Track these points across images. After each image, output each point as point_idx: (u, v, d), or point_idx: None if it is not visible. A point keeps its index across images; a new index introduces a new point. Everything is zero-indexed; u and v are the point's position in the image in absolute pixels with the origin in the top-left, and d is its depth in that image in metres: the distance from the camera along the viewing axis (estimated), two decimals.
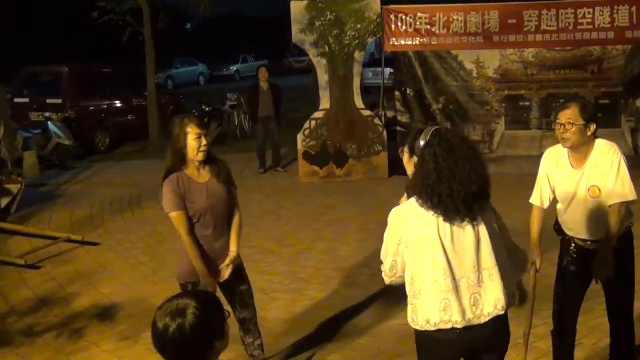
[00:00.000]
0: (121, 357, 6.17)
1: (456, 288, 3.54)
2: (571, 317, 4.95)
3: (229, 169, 5.27)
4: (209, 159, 4.99)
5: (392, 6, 12.97)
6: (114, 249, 9.38)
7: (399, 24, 12.84)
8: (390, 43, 12.97)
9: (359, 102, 13.04)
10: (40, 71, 19.74)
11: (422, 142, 3.62)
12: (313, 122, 13.14)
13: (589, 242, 4.75)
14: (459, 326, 3.53)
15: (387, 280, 3.80)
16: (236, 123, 19.24)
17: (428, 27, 12.79)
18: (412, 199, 3.65)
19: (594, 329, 5.98)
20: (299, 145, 13.13)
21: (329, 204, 11.32)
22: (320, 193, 12.11)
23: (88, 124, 17.75)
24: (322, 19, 12.72)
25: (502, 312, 3.58)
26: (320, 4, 12.72)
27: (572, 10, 12.43)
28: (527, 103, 13.06)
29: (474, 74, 13.02)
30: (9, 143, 11.98)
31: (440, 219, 3.52)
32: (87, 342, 6.48)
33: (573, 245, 4.82)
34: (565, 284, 4.90)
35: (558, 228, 4.96)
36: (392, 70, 14.27)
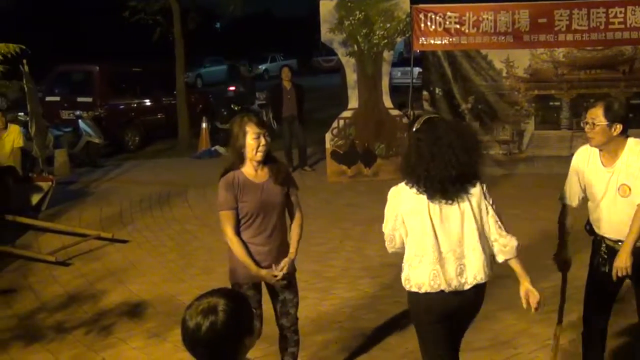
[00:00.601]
0: (150, 354, 6.21)
1: (444, 260, 4.10)
2: (602, 318, 4.91)
3: (288, 170, 5.19)
4: (268, 159, 4.89)
5: (421, 5, 12.91)
6: (143, 246, 9.45)
7: (429, 23, 12.79)
8: (420, 42, 12.92)
9: (387, 102, 13.02)
10: (71, 70, 19.92)
11: (415, 128, 4.16)
12: (341, 122, 13.14)
13: (619, 243, 4.70)
14: (446, 291, 4.09)
15: (389, 250, 4.40)
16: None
17: (458, 26, 12.72)
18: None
19: (624, 330, 5.93)
20: (327, 145, 13.13)
21: (356, 204, 11.31)
22: (348, 192, 12.10)
23: (118, 122, 17.90)
24: (351, 18, 12.70)
25: (482, 282, 4.17)
26: (349, 4, 12.70)
27: (604, 10, 12.30)
28: (557, 103, 12.96)
29: (504, 74, 12.94)
30: (41, 141, 12.09)
31: (426, 195, 4.09)
32: (116, 339, 6.53)
33: (604, 245, 4.77)
34: (596, 285, 4.86)
35: (590, 229, 4.92)
36: (420, 70, 14.22)
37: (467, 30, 12.71)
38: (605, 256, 4.76)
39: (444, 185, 4.03)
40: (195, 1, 19.27)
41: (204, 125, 17.30)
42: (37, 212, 10.95)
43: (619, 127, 4.53)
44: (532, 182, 12.05)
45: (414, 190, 4.14)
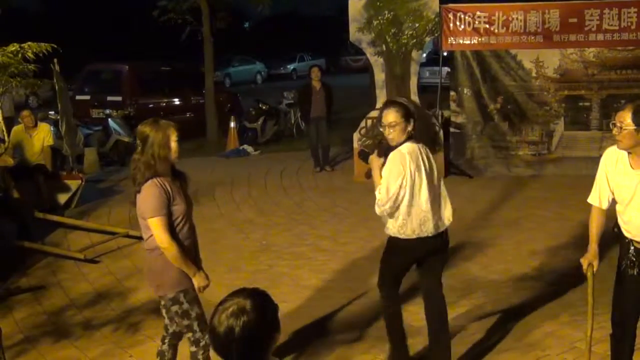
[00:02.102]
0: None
1: (432, 209, 5.09)
2: (630, 321, 4.87)
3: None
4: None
5: (450, 5, 12.87)
6: None
7: (458, 23, 12.74)
8: (449, 42, 12.88)
9: (415, 102, 12.96)
10: (101, 69, 20.10)
11: (412, 109, 5.23)
12: (369, 121, 13.11)
13: None
14: (430, 235, 5.10)
15: (385, 209, 5.13)
16: (292, 121, 19.31)
17: (487, 26, 12.66)
18: (407, 143, 5.15)
19: None
20: (355, 144, 13.10)
21: None
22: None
23: None
24: (380, 17, 12.67)
25: (447, 225, 5.25)
26: (378, 3, 12.66)
27: (635, 10, 12.17)
28: (587, 104, 12.84)
29: (533, 74, 12.84)
30: (71, 140, 12.20)
31: (424, 154, 5.16)
32: (143, 336, 6.57)
33: (632, 248, 4.73)
34: (624, 288, 4.82)
35: (618, 231, 4.87)
36: (449, 70, 14.16)
37: (496, 30, 12.65)
38: (634, 259, 4.72)
39: (435, 143, 5.39)
40: (224, 1, 19.34)
41: (232, 124, 17.36)
42: (66, 209, 11.06)
43: None
44: (561, 184, 11.96)
45: (417, 148, 5.15)
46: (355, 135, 13.08)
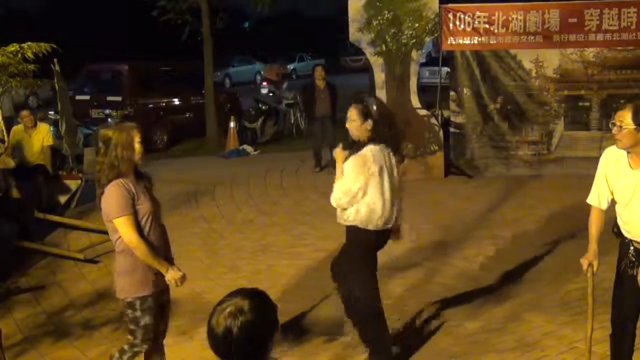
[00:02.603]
0: (177, 351, 6.24)
1: (390, 207, 5.55)
2: (629, 320, 4.87)
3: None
4: None
5: (450, 5, 12.86)
6: (171, 244, 9.47)
7: (457, 23, 12.73)
8: (448, 42, 12.88)
9: (415, 102, 12.97)
10: (101, 69, 20.09)
11: (374, 108, 5.69)
12: None
13: None
14: (387, 228, 5.61)
15: (341, 203, 5.50)
16: (292, 122, 19.31)
17: (487, 26, 12.66)
18: (370, 145, 5.51)
19: None
20: None
21: None
22: None
23: (147, 121, 17.95)
24: (379, 18, 12.67)
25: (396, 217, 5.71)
26: (378, 3, 12.66)
27: (635, 10, 12.16)
28: (587, 104, 12.83)
29: (533, 74, 12.83)
30: (71, 139, 12.20)
31: (386, 156, 5.55)
32: None
33: (632, 248, 4.73)
34: (624, 288, 4.82)
35: (617, 231, 4.88)
36: (449, 70, 14.17)
37: (496, 30, 12.64)
38: (634, 259, 4.72)
39: (398, 146, 5.81)
40: (224, 1, 19.34)
41: (232, 124, 17.36)
42: (66, 209, 11.06)
43: None
44: (561, 184, 11.96)
45: (379, 149, 5.51)
46: None
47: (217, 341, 2.66)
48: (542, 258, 8.41)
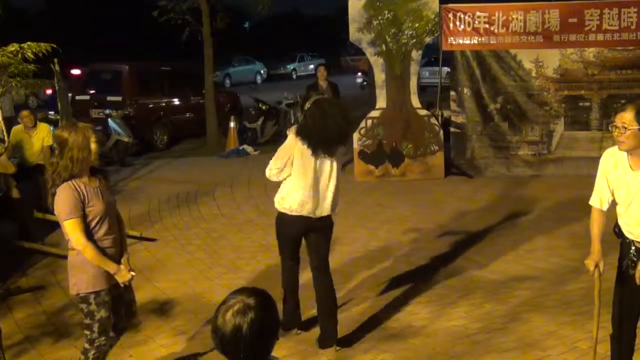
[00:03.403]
0: (177, 351, 6.25)
1: (311, 196, 5.97)
2: (630, 321, 4.86)
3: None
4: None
5: (450, 5, 12.87)
6: (171, 245, 9.50)
7: (458, 23, 12.75)
8: (449, 42, 12.89)
9: (415, 102, 12.97)
10: (101, 69, 20.06)
11: (307, 106, 6.02)
12: (369, 121, 13.12)
13: None
14: (306, 215, 6.00)
15: (271, 175, 6.08)
16: (292, 122, 19.29)
17: (487, 26, 12.67)
18: (293, 136, 5.97)
19: None
20: (355, 144, 13.10)
21: (384, 204, 11.30)
22: (376, 192, 12.08)
23: (147, 121, 17.99)
24: (379, 17, 12.68)
25: (329, 213, 6.12)
26: (378, 3, 12.67)
27: (635, 10, 12.19)
28: (587, 104, 12.84)
29: (533, 74, 12.85)
30: None
31: (311, 151, 5.89)
32: (144, 337, 6.57)
33: (633, 248, 4.72)
34: (624, 288, 4.82)
35: (618, 231, 4.87)
36: (449, 70, 14.17)
37: (496, 30, 12.66)
38: (635, 259, 4.71)
39: (330, 145, 5.92)
40: (223, 1, 19.33)
41: (232, 124, 17.36)
42: None
43: None
44: (561, 184, 11.96)
45: (305, 146, 5.89)
46: (355, 135, 13.07)
47: (225, 340, 2.64)
48: (543, 258, 8.40)
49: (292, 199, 6.01)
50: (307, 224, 6.09)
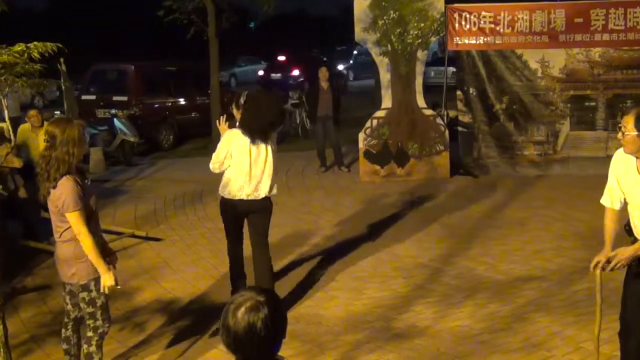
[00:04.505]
0: (182, 350, 6.26)
1: (250, 180, 6.68)
2: (636, 319, 4.86)
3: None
4: None
5: (456, 5, 12.85)
6: (177, 244, 9.51)
7: (463, 22, 12.73)
8: (454, 42, 12.87)
9: (421, 102, 12.96)
10: (107, 69, 20.09)
11: (242, 100, 6.79)
12: (375, 121, 13.12)
13: None
14: (245, 199, 6.72)
15: (214, 169, 6.83)
16: (298, 121, 19.31)
17: (492, 26, 12.65)
18: (233, 129, 6.78)
19: None
20: (360, 144, 13.10)
21: (389, 204, 11.29)
22: (381, 192, 12.08)
23: (153, 121, 18.01)
24: (385, 17, 12.68)
25: (267, 195, 6.78)
26: (383, 3, 12.66)
27: None
28: (593, 104, 12.82)
29: (539, 74, 12.83)
30: None
31: (249, 140, 6.61)
32: (149, 336, 6.59)
33: None
34: (632, 287, 4.82)
35: (629, 229, 4.87)
36: (455, 70, 14.15)
37: (502, 30, 12.64)
38: None
39: (263, 134, 6.63)
40: (229, 1, 19.33)
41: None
42: None
43: None
44: (567, 184, 11.94)
45: (244, 136, 6.61)
46: (361, 135, 13.08)
47: (238, 338, 2.62)
48: (548, 258, 8.39)
49: (232, 185, 6.73)
50: (247, 207, 6.80)
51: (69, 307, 5.38)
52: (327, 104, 13.96)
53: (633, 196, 4.68)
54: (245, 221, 7.00)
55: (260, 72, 34.95)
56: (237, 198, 6.74)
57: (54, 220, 5.13)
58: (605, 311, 5.00)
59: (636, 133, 4.46)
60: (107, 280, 5.07)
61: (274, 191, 6.88)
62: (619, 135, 4.56)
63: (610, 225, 4.86)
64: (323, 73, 14.29)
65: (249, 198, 6.74)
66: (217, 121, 7.10)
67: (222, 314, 2.67)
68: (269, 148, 6.73)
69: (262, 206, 6.85)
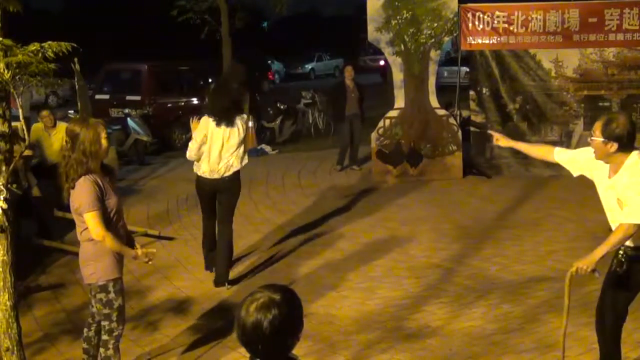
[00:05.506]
0: (195, 349, 6.27)
1: (219, 162, 7.53)
2: (614, 318, 4.97)
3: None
4: None
5: (469, 5, 12.82)
6: (190, 243, 9.52)
7: (476, 22, 12.70)
8: (467, 42, 12.84)
9: (434, 102, 12.94)
10: (120, 69, 20.16)
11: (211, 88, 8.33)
12: (387, 121, 13.10)
13: (630, 249, 4.80)
14: (212, 177, 7.58)
15: (191, 156, 7.66)
16: (310, 121, 19.31)
17: (506, 25, 12.61)
18: (204, 116, 7.54)
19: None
20: (373, 144, 13.09)
21: (401, 204, 11.28)
22: (394, 192, 12.07)
23: (166, 120, 18.05)
24: (398, 17, 12.66)
25: (232, 173, 7.61)
26: (397, 3, 12.64)
27: None
28: (606, 104, 12.76)
29: (553, 74, 12.78)
30: None
31: (215, 124, 7.44)
32: (162, 335, 6.60)
33: (622, 249, 4.84)
34: (610, 286, 4.97)
35: (610, 231, 4.95)
36: (468, 70, 14.12)
37: (515, 30, 12.60)
38: (623, 259, 4.85)
39: (226, 115, 7.42)
40: (242, 1, 19.38)
41: (250, 123, 17.37)
42: None
43: (614, 146, 4.58)
44: (580, 184, 11.73)
45: (212, 120, 7.43)
46: (373, 135, 13.07)
47: (245, 332, 2.66)
48: (562, 259, 8.35)
49: (204, 165, 7.58)
50: (216, 184, 7.61)
51: (94, 309, 5.37)
52: (354, 102, 14.07)
53: (604, 200, 4.86)
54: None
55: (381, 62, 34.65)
56: (209, 177, 7.59)
57: (75, 220, 5.14)
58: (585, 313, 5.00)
59: (601, 139, 4.54)
60: (140, 252, 5.29)
61: (240, 165, 7.69)
62: (589, 139, 4.63)
63: (534, 147, 5.18)
64: (349, 72, 14.36)
65: (215, 177, 7.57)
66: (190, 121, 7.80)
67: (239, 306, 2.70)
68: (237, 131, 7.53)
69: (229, 186, 7.67)
